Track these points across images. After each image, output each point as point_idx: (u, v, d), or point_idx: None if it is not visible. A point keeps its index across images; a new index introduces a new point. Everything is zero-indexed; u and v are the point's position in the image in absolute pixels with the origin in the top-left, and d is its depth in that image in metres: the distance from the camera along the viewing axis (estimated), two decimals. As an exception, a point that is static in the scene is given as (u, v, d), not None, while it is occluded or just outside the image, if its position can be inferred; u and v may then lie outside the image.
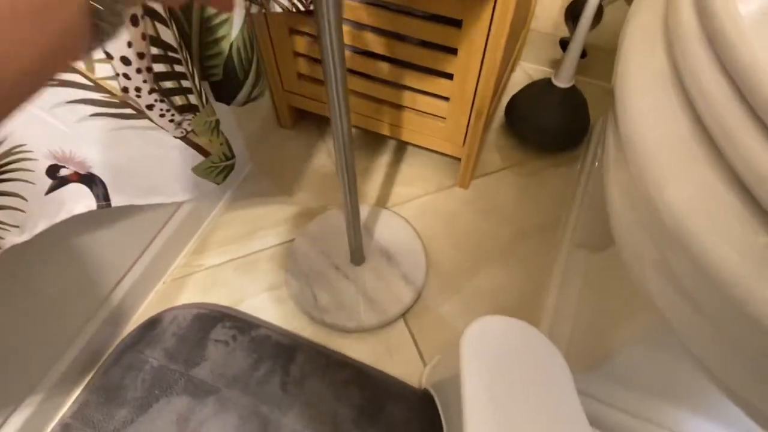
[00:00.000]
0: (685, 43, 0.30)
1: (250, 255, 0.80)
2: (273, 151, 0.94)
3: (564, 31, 0.95)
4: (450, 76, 0.70)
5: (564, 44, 0.93)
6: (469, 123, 0.76)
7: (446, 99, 0.74)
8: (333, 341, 0.71)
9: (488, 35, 0.62)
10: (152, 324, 0.72)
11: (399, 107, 0.79)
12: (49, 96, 0.38)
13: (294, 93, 0.86)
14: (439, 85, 0.72)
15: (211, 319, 0.73)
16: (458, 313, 0.74)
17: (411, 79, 0.74)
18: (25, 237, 0.47)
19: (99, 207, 0.50)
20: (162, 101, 0.40)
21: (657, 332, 0.50)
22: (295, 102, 0.89)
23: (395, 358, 0.70)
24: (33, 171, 0.44)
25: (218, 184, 0.52)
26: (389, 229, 0.82)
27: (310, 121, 0.98)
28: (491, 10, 0.59)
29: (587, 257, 0.75)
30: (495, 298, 0.76)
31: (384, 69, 0.74)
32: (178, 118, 0.42)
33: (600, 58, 0.99)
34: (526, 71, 1.09)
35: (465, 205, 0.87)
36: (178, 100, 0.41)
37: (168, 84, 0.39)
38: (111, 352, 0.70)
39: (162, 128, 0.42)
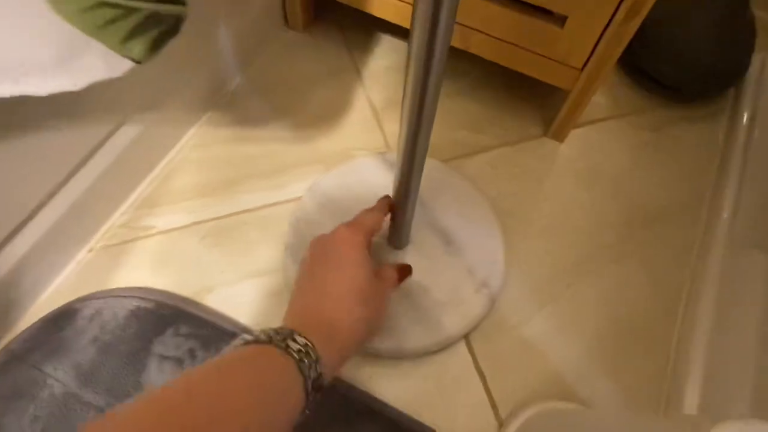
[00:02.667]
0: None
1: (229, 216, 0.52)
2: (275, 60, 0.63)
3: None
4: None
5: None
6: (607, 26, 0.45)
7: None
8: (357, 372, 0.44)
9: None
10: (60, 320, 0.44)
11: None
12: None
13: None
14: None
15: (159, 319, 0.45)
16: (552, 337, 0.47)
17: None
18: None
19: None
20: None
21: None
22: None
23: (450, 403, 0.44)
24: None
25: (139, 61, 0.22)
26: (448, 196, 0.53)
27: (330, 21, 0.67)
28: None
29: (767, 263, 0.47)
30: (607, 317, 0.49)
31: None
32: None
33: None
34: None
35: (559, 165, 0.58)
36: None
37: None
38: (-13, 362, 0.42)
39: None
